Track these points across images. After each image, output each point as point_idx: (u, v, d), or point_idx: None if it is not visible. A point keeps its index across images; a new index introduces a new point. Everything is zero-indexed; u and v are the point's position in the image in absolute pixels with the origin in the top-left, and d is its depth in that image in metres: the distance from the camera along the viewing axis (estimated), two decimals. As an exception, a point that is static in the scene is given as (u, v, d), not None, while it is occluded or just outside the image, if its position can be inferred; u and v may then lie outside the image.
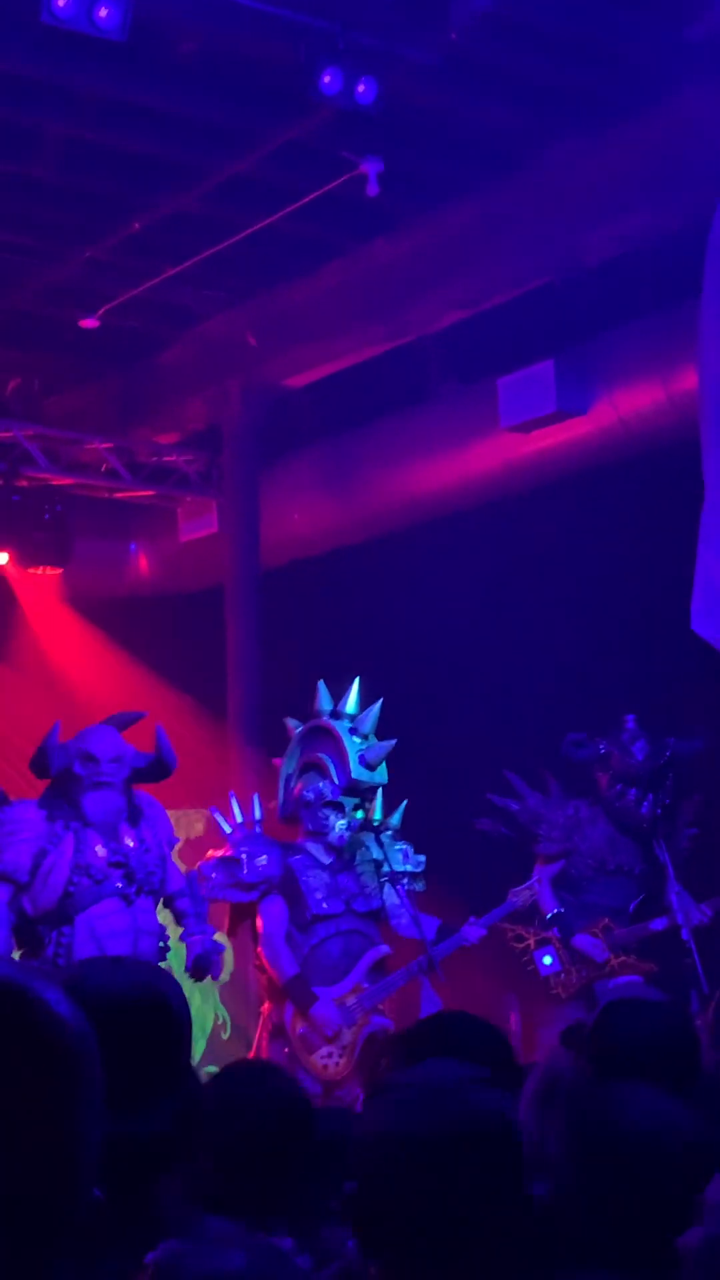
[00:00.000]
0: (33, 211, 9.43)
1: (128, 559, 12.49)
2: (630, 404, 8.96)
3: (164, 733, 7.27)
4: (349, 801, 7.56)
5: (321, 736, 7.74)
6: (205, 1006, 10.07)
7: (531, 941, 8.07)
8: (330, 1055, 7.37)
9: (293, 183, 8.87)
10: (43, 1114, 1.17)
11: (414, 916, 7.53)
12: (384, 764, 7.62)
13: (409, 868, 7.69)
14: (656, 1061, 3.06)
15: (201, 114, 8.46)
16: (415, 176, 8.84)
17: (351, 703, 7.74)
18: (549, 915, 8.07)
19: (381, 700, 7.66)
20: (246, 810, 7.67)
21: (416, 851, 7.81)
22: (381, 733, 7.84)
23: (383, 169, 8.40)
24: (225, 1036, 10.21)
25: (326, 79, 7.63)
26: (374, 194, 8.39)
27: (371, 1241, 1.74)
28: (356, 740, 7.61)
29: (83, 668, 12.22)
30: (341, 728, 7.61)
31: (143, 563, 12.49)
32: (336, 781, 7.54)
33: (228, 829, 7.69)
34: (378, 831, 7.75)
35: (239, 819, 7.69)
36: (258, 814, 7.76)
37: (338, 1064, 7.39)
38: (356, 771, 7.51)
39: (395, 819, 7.86)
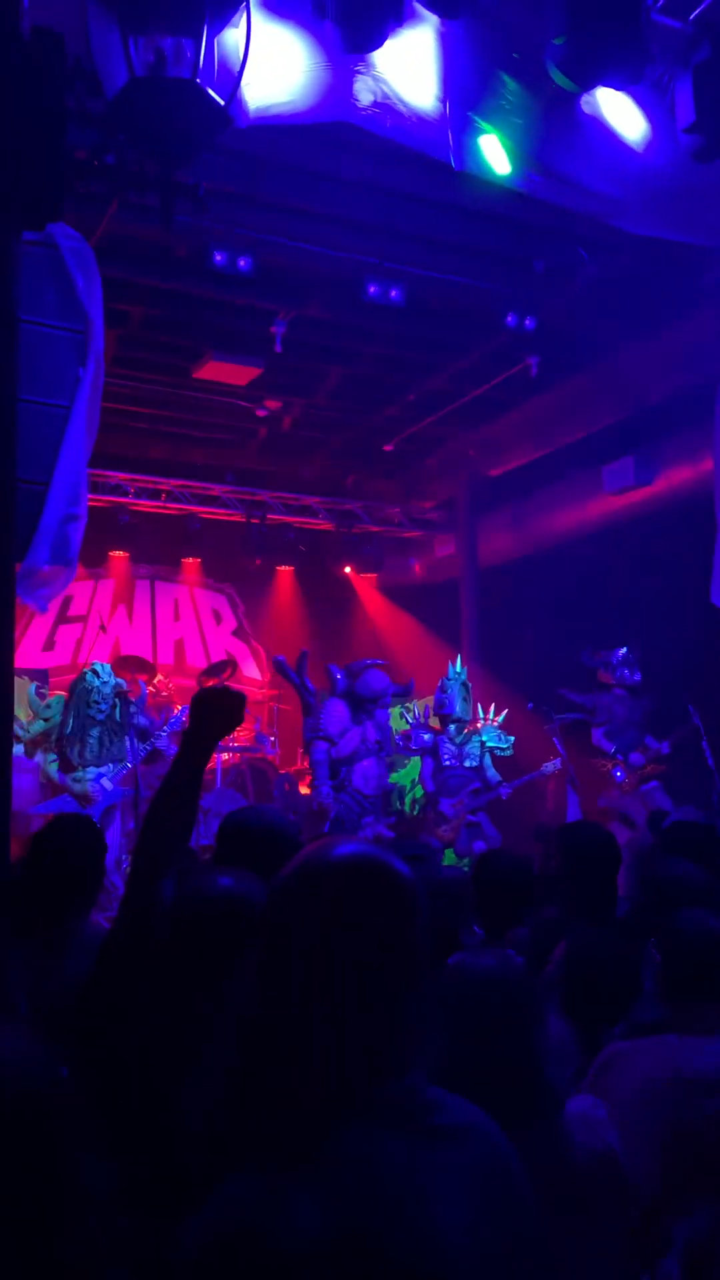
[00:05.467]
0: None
1: (410, 566, 14.60)
2: None
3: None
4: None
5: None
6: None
7: (609, 765, 9.44)
8: (445, 832, 9.13)
9: (488, 372, 10.62)
10: (400, 937, 1.30)
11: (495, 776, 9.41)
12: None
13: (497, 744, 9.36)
14: (694, 844, 4.05)
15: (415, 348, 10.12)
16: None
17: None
18: (613, 751, 9.36)
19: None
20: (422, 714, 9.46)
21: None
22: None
23: (540, 360, 9.84)
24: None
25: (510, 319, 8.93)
26: (534, 375, 10.08)
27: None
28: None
29: (389, 633, 14.31)
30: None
31: (417, 568, 14.57)
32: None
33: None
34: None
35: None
36: (427, 718, 9.50)
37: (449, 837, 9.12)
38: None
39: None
